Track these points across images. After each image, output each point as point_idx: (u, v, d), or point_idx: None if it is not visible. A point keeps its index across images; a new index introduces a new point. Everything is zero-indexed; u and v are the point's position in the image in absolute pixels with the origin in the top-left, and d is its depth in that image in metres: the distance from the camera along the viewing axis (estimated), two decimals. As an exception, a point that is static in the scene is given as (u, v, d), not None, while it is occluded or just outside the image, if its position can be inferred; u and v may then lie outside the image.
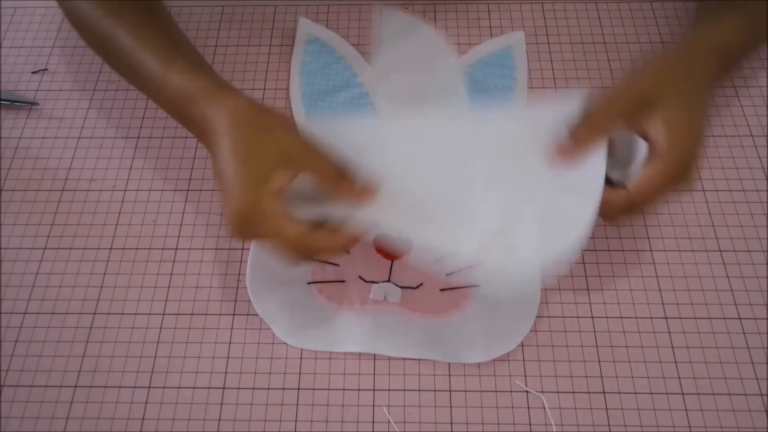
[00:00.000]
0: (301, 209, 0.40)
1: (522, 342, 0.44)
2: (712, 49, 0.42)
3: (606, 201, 0.39)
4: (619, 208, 0.39)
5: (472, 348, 0.43)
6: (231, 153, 0.38)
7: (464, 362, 0.43)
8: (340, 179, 0.40)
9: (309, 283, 0.46)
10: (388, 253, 0.46)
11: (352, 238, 0.39)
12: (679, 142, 0.38)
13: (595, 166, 0.40)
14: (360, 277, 0.46)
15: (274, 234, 0.38)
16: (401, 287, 0.45)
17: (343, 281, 0.46)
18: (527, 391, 0.42)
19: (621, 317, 0.45)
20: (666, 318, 0.45)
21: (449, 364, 0.43)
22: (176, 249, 0.48)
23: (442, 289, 0.45)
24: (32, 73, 0.57)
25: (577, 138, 0.40)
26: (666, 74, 0.40)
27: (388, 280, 0.45)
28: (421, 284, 0.45)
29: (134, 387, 0.43)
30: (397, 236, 0.41)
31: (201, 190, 0.51)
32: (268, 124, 0.39)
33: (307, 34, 0.58)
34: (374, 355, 0.43)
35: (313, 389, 0.43)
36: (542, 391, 0.42)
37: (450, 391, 0.42)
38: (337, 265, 0.46)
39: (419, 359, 0.43)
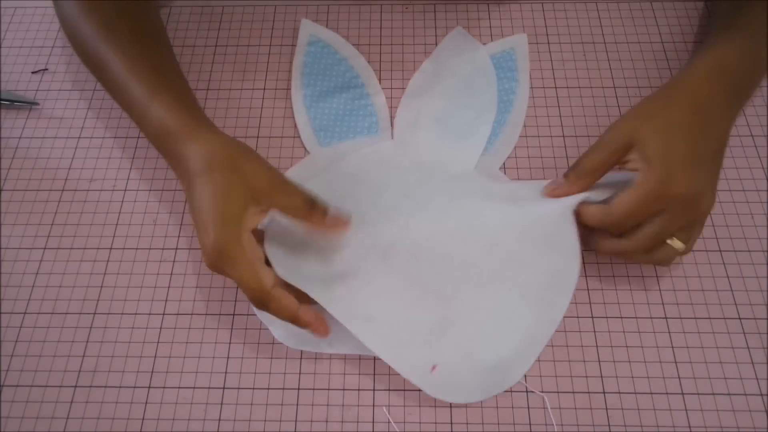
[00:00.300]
0: (278, 258, 0.42)
1: (522, 342, 0.44)
2: (705, 70, 0.43)
3: (584, 213, 0.43)
4: (595, 220, 0.42)
5: None
6: (205, 192, 0.40)
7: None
8: (310, 211, 0.41)
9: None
10: None
11: (307, 321, 0.40)
12: (654, 168, 0.40)
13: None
14: None
15: (239, 279, 0.39)
16: None
17: None
18: (527, 391, 0.42)
19: (621, 317, 0.45)
20: (666, 318, 0.45)
21: (449, 364, 0.43)
22: (176, 249, 0.48)
23: None
24: (32, 73, 0.57)
25: (569, 180, 0.43)
26: (642, 115, 0.42)
27: None
28: None
29: (134, 387, 0.43)
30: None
31: (201, 190, 0.51)
32: (237, 162, 0.41)
33: (309, 35, 0.58)
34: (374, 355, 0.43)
35: (313, 389, 0.43)
36: (542, 391, 0.42)
37: (450, 391, 0.42)
38: None
39: None
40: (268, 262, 0.41)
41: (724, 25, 0.47)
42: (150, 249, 0.48)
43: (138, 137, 0.53)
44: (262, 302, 0.40)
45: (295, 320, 0.40)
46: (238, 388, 0.43)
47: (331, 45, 0.57)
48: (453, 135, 0.51)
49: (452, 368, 0.41)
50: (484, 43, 0.57)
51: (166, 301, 0.46)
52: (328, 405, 0.42)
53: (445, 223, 0.45)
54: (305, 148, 0.52)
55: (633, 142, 0.41)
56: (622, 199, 0.41)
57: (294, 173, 0.50)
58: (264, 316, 0.44)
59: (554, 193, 0.44)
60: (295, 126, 0.53)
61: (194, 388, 0.43)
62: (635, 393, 0.42)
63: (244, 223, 0.39)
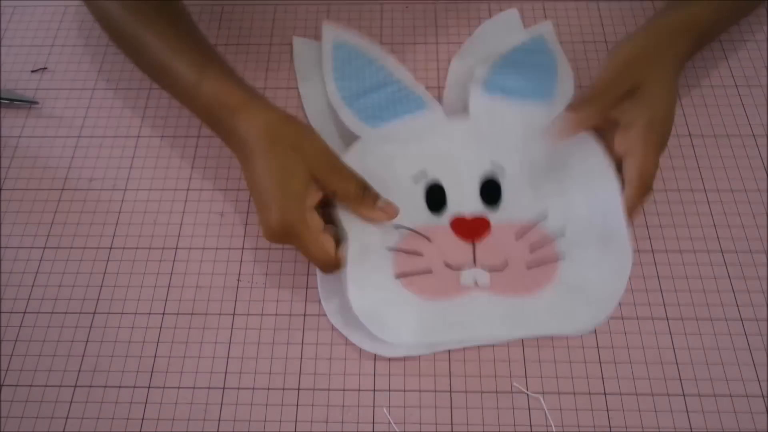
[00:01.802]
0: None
1: (522, 342, 0.44)
2: (681, 25, 0.46)
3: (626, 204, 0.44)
4: (635, 202, 0.44)
5: (572, 320, 0.43)
6: (268, 168, 0.41)
7: (569, 334, 0.44)
8: (363, 197, 0.43)
9: (396, 278, 0.44)
10: (469, 234, 0.46)
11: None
12: (659, 113, 0.44)
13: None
14: (446, 265, 0.45)
15: (308, 253, 0.42)
16: (488, 271, 0.45)
17: (430, 272, 0.45)
18: (527, 393, 0.42)
19: (622, 318, 0.44)
20: (667, 319, 0.44)
21: (449, 364, 0.43)
22: (176, 249, 0.48)
23: (529, 267, 0.45)
24: (32, 72, 0.57)
25: (575, 115, 0.45)
26: (645, 57, 0.45)
27: (474, 263, 0.45)
28: (507, 264, 0.45)
29: (134, 387, 0.43)
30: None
31: (201, 190, 0.51)
32: (299, 140, 0.42)
33: (334, 40, 0.56)
34: (374, 355, 0.43)
35: (313, 389, 0.43)
36: (543, 392, 0.42)
37: (450, 391, 0.42)
38: (421, 254, 0.45)
39: (494, 345, 0.44)
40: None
41: None
42: (150, 249, 0.48)
43: (138, 137, 0.53)
44: (333, 267, 0.43)
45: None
46: (238, 388, 0.43)
47: (358, 47, 0.55)
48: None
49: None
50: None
51: (166, 301, 0.46)
52: (328, 405, 0.42)
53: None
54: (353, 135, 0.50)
55: (640, 83, 0.44)
56: (642, 156, 0.43)
57: (350, 158, 0.48)
58: (374, 327, 0.43)
59: (559, 135, 0.45)
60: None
61: (194, 388, 0.43)
62: (636, 394, 0.42)
63: (308, 200, 0.42)
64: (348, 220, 0.45)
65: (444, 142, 0.49)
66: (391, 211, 0.44)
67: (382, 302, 0.43)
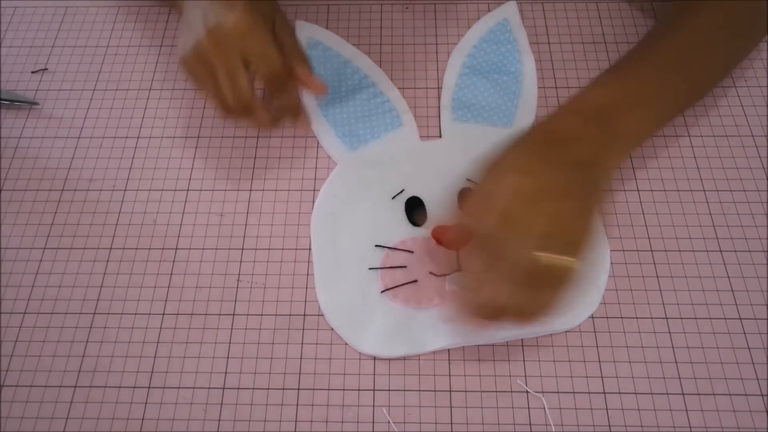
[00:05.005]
0: None
1: (522, 342, 0.44)
2: (572, 110, 0.40)
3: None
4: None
5: (563, 312, 0.42)
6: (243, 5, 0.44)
7: (556, 331, 0.44)
8: (305, 62, 0.48)
9: (382, 291, 0.45)
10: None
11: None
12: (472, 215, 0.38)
13: None
14: (431, 273, 0.45)
15: (267, 51, 0.44)
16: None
17: (415, 281, 0.45)
18: (527, 391, 0.42)
19: (621, 317, 0.45)
20: (666, 318, 0.45)
21: (449, 364, 0.43)
22: (176, 249, 0.48)
23: None
24: (32, 72, 0.57)
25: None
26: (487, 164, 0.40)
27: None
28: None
29: (134, 387, 0.43)
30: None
31: (201, 190, 0.51)
32: (275, 8, 0.47)
33: (307, 37, 0.57)
34: (374, 354, 0.44)
35: (313, 389, 0.43)
36: (542, 392, 0.42)
37: (450, 391, 0.42)
38: (405, 266, 0.46)
39: (493, 344, 0.44)
40: None
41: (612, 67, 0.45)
42: (150, 249, 0.48)
43: (138, 137, 0.53)
44: (284, 82, 0.46)
45: (296, 109, 0.49)
46: (238, 388, 0.43)
47: (332, 47, 0.56)
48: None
49: None
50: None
51: (166, 301, 0.46)
52: (328, 405, 0.42)
53: None
54: (329, 158, 0.51)
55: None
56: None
57: (330, 184, 0.50)
58: (349, 337, 0.44)
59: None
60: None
61: (194, 388, 0.43)
62: (636, 393, 0.42)
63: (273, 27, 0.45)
64: (322, 234, 0.47)
65: (421, 164, 0.50)
66: (324, 88, 0.49)
67: (366, 321, 0.44)
